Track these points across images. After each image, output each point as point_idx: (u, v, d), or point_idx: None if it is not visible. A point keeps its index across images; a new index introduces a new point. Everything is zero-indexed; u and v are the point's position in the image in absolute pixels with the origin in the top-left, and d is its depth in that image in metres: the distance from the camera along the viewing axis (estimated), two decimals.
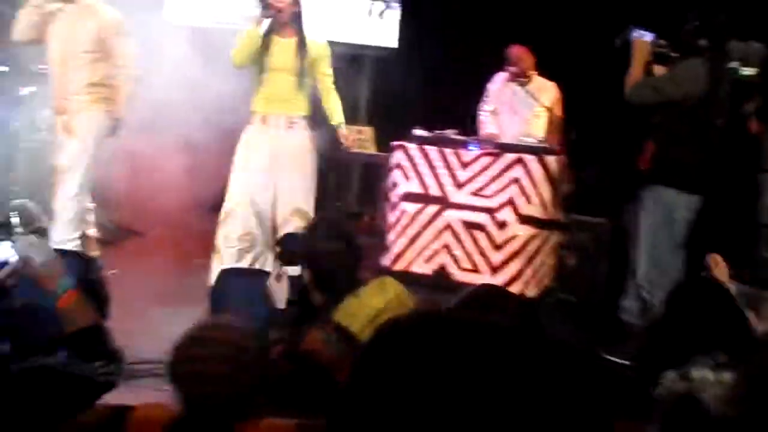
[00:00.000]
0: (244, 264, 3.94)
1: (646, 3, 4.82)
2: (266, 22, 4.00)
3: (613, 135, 5.00)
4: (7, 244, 2.00)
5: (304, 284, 2.52)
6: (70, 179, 4.06)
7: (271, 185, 4.00)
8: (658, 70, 3.69)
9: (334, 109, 4.22)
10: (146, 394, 2.56)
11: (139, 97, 4.35)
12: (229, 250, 3.97)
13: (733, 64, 3.74)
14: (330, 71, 4.18)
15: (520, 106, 5.22)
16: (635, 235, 3.70)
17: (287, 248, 2.71)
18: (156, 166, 5.41)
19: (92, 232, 4.32)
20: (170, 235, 5.19)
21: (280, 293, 2.65)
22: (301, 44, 4.03)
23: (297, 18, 4.03)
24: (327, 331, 2.26)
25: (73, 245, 4.05)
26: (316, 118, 4.32)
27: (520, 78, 5.20)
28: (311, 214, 4.08)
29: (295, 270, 2.64)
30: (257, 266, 3.97)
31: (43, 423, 1.60)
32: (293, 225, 3.96)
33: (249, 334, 1.71)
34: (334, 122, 4.22)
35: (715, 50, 3.63)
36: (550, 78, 5.25)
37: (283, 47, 4.04)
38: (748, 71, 3.82)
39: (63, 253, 3.54)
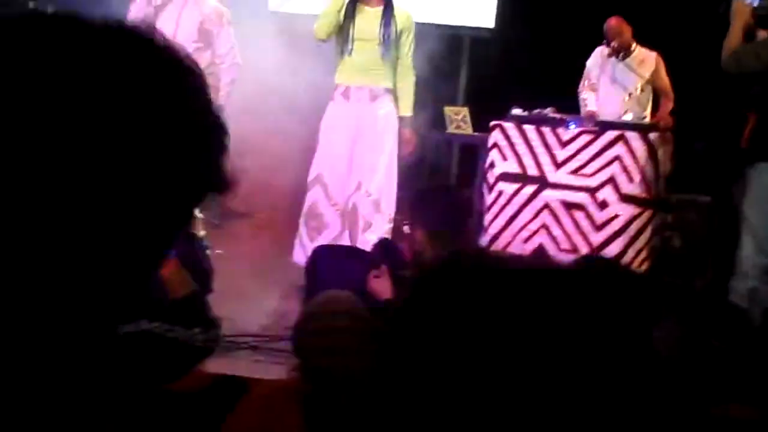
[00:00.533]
0: (322, 240, 3.91)
1: None
2: None
3: (721, 108, 4.76)
4: None
5: (416, 248, 2.63)
6: None
7: (350, 164, 3.98)
8: (762, 35, 3.35)
9: (405, 95, 4.08)
10: (243, 365, 2.68)
11: (244, 83, 4.50)
12: (305, 228, 4.00)
13: None
14: (412, 46, 4.06)
15: (621, 80, 5.05)
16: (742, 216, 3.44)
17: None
18: (261, 149, 5.59)
19: (198, 213, 4.51)
20: (276, 217, 5.35)
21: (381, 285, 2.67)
22: (388, 12, 3.93)
23: None
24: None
25: None
26: (417, 97, 4.32)
27: (619, 51, 5.04)
28: (393, 194, 4.04)
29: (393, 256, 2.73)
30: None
31: (145, 385, 1.70)
32: (369, 204, 3.96)
33: (363, 307, 1.76)
34: (400, 113, 4.07)
35: None
36: (652, 48, 5.06)
37: (369, 15, 3.94)
38: None
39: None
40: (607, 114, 4.93)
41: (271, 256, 4.46)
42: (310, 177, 4.05)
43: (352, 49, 3.92)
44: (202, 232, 4.46)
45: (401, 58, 4.02)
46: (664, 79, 5.03)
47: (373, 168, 3.98)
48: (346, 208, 4.01)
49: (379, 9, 3.94)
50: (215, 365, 2.12)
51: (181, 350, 1.80)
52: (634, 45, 5.05)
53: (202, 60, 4.30)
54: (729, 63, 3.26)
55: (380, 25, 3.90)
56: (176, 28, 4.25)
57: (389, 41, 3.91)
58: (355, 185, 4.00)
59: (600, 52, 5.15)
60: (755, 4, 3.32)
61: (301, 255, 3.98)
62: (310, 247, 3.81)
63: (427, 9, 6.49)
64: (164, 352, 1.78)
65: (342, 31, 3.92)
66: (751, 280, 3.27)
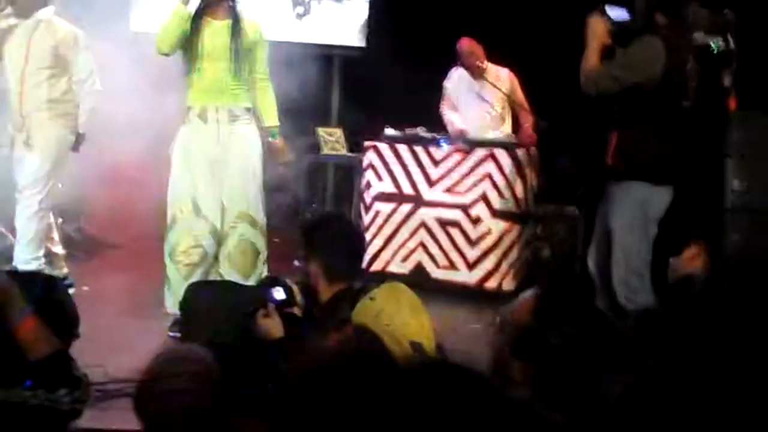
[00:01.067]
0: (194, 279, 3.54)
1: None
2: (195, 2, 3.58)
3: (585, 123, 4.98)
4: None
5: (308, 284, 2.51)
6: (30, 196, 3.99)
7: (216, 188, 3.63)
8: (620, 52, 3.23)
9: (270, 109, 3.77)
10: (117, 415, 2.52)
11: (106, 107, 4.29)
12: (176, 267, 3.61)
13: (698, 36, 3.35)
14: (265, 60, 3.75)
15: (483, 97, 5.15)
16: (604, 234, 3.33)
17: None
18: (126, 178, 5.34)
19: (58, 249, 4.25)
20: (140, 247, 5.12)
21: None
22: (236, 25, 3.61)
23: None
24: (346, 333, 2.23)
25: (37, 264, 3.98)
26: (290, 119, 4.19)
27: (473, 70, 5.11)
28: (260, 217, 3.72)
29: (280, 294, 2.57)
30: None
31: None
32: (240, 231, 3.65)
33: (209, 361, 1.68)
34: (265, 125, 3.77)
35: (674, 23, 3.15)
36: (503, 65, 5.19)
37: (216, 30, 3.61)
38: (715, 42, 3.44)
39: (24, 274, 3.50)
40: (472, 131, 5.04)
41: (139, 290, 4.25)
42: (171, 207, 3.67)
43: (201, 68, 3.61)
44: (64, 270, 4.22)
45: (255, 72, 3.71)
46: (520, 95, 5.16)
47: (239, 192, 3.67)
48: (215, 238, 3.65)
49: (227, 22, 3.62)
50: (87, 419, 1.97)
51: (46, 416, 1.66)
52: (486, 63, 5.13)
53: (59, 87, 4.06)
54: (588, 86, 3.19)
55: (229, 39, 3.59)
56: (27, 54, 4.00)
57: (240, 56, 3.62)
58: (219, 212, 3.65)
59: (457, 73, 5.23)
60: (614, 17, 3.16)
61: (172, 301, 3.59)
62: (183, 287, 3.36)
63: (297, 28, 6.47)
64: (28, 421, 1.64)
65: (189, 47, 3.59)
66: (623, 299, 3.17)
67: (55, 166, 4.07)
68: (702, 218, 4.08)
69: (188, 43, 3.57)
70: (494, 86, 5.04)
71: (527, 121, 5.02)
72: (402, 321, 2.25)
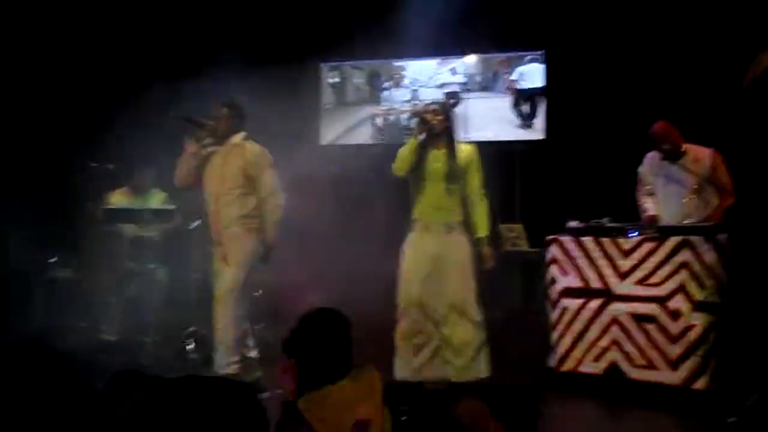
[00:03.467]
0: (420, 358, 4.21)
1: None
2: (423, 136, 4.30)
3: None
4: None
5: None
6: (227, 305, 4.25)
7: (436, 286, 4.22)
8: None
9: (480, 221, 4.36)
10: None
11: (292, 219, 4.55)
12: (407, 345, 4.23)
13: None
14: (478, 175, 4.37)
15: (677, 180, 4.87)
16: None
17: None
18: (321, 283, 5.56)
19: (253, 354, 4.45)
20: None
21: None
22: (451, 152, 4.30)
23: (448, 130, 4.34)
24: (291, 413, 2.23)
25: (234, 368, 4.19)
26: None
27: (671, 153, 4.88)
28: (473, 311, 4.24)
29: None
30: (435, 360, 4.23)
31: None
32: (452, 321, 4.20)
33: None
34: (477, 236, 4.35)
35: None
36: (707, 146, 4.89)
37: (436, 157, 4.32)
38: None
39: (216, 380, 3.67)
40: (667, 216, 4.73)
41: None
42: (401, 301, 4.27)
43: (424, 188, 4.31)
44: (257, 374, 4.39)
45: (469, 187, 4.34)
46: (722, 176, 4.81)
47: (453, 289, 4.23)
48: (435, 324, 4.24)
49: (444, 150, 4.32)
50: None
51: None
52: (684, 146, 4.90)
53: (248, 203, 4.36)
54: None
55: (445, 162, 4.28)
56: (222, 176, 4.36)
57: (454, 177, 4.28)
58: (437, 305, 4.23)
59: (651, 157, 5.02)
60: None
61: (404, 371, 4.24)
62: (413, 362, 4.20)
63: (478, 128, 6.56)
64: None
65: (415, 172, 4.30)
66: None
67: (247, 277, 4.33)
68: None
69: (415, 169, 4.29)
70: (689, 169, 4.74)
71: (722, 202, 4.64)
72: (353, 404, 2.24)
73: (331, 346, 2.41)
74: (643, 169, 5.04)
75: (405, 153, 4.30)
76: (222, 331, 4.25)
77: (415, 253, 4.28)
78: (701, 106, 5.17)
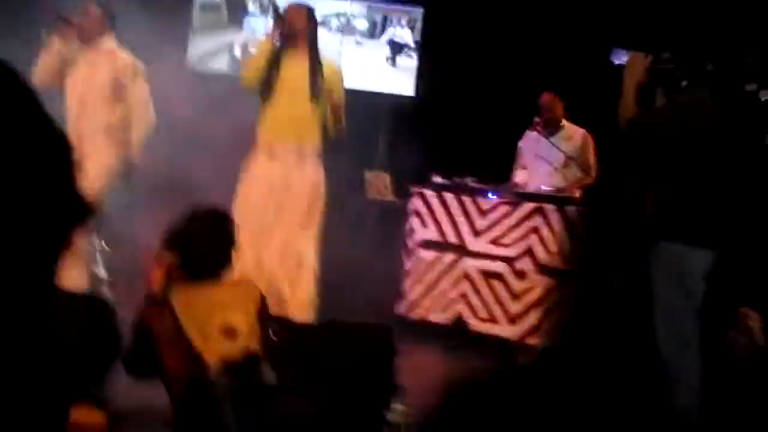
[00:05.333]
0: None
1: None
2: (278, 39, 3.78)
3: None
4: None
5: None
6: None
7: (272, 226, 3.75)
8: (661, 93, 3.03)
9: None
10: None
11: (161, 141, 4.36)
12: None
13: (751, 87, 3.07)
14: (342, 101, 3.91)
15: (545, 155, 5.17)
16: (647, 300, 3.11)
17: None
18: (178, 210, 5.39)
19: (103, 273, 4.28)
20: None
21: None
22: (315, 64, 3.77)
23: (312, 36, 3.80)
24: (161, 305, 2.31)
25: (83, 285, 4.02)
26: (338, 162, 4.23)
27: (549, 127, 5.16)
28: (313, 261, 3.84)
29: None
30: None
31: None
32: (296, 274, 3.78)
33: None
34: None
35: (725, 73, 2.95)
36: (582, 125, 5.18)
37: (296, 67, 3.79)
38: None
39: (73, 294, 3.52)
40: (533, 188, 5.00)
41: None
42: None
43: (276, 102, 3.83)
44: (107, 294, 4.23)
45: (332, 111, 3.91)
46: (588, 156, 5.16)
47: (294, 234, 3.82)
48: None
49: (307, 60, 3.81)
50: None
51: None
52: (563, 122, 5.20)
53: (115, 113, 4.13)
54: (627, 129, 2.96)
55: (308, 76, 3.77)
56: (88, 80, 4.09)
57: (318, 94, 3.79)
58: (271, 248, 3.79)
59: (528, 134, 5.27)
60: (649, 57, 2.94)
61: None
62: None
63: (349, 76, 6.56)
64: None
65: (267, 83, 3.80)
66: (670, 372, 2.90)
67: (105, 192, 4.12)
68: (754, 285, 3.92)
69: (267, 79, 3.77)
70: (560, 146, 5.03)
71: (580, 180, 5.01)
72: (226, 309, 2.31)
73: (214, 241, 2.41)
74: (521, 144, 5.31)
75: (256, 55, 3.76)
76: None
77: (251, 187, 3.76)
78: (577, 82, 5.44)
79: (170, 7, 6.34)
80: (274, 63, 3.74)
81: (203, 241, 2.42)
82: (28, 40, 4.41)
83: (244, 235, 3.59)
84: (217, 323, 2.24)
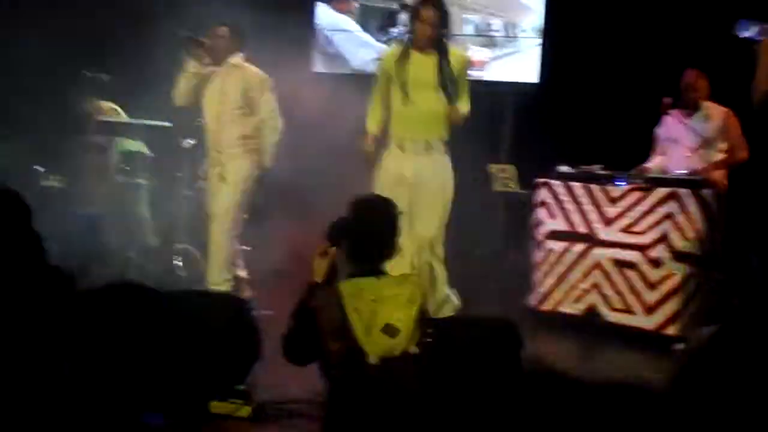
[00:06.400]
0: None
1: None
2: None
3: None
4: None
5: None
6: (222, 224, 4.31)
7: (406, 216, 3.79)
8: None
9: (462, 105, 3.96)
10: None
11: (289, 145, 4.56)
12: None
13: None
14: (467, 89, 3.98)
15: (679, 138, 4.88)
16: None
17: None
18: (310, 210, 5.60)
19: (243, 273, 4.54)
20: None
21: None
22: (443, 58, 3.86)
23: (439, 32, 3.86)
24: (329, 295, 2.30)
25: (227, 286, 4.28)
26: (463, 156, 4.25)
27: (687, 108, 4.84)
28: (440, 246, 3.95)
29: None
30: None
31: None
32: (423, 258, 3.89)
33: None
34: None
35: None
36: (725, 104, 4.83)
37: (423, 62, 3.89)
38: None
39: (218, 295, 3.76)
40: (670, 172, 4.75)
41: None
42: None
43: (406, 98, 3.91)
44: (247, 293, 4.48)
45: (460, 99, 3.96)
46: (732, 136, 4.78)
47: (425, 221, 3.93)
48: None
49: (434, 55, 3.89)
50: None
51: None
52: (705, 102, 4.84)
53: (248, 124, 4.38)
54: (763, 107, 2.89)
55: (435, 71, 3.86)
56: (222, 96, 4.35)
57: (446, 86, 3.87)
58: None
59: (665, 119, 4.95)
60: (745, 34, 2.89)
61: None
62: None
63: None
64: None
65: (396, 78, 3.91)
66: None
67: (244, 197, 4.38)
68: None
69: (395, 75, 3.88)
70: (695, 128, 4.76)
71: (723, 161, 4.74)
72: (390, 306, 2.28)
73: (381, 229, 2.45)
74: (658, 130, 5.02)
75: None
76: (216, 249, 4.33)
77: (387, 179, 3.91)
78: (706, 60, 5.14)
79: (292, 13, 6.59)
80: (400, 62, 3.86)
81: (371, 230, 2.44)
82: (166, 63, 4.77)
83: None
84: (379, 319, 2.28)
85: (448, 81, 3.85)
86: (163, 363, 2.00)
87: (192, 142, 5.23)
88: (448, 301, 4.04)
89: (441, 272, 4.01)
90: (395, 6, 6.89)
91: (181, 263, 5.23)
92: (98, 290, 1.66)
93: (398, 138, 3.95)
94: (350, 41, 6.90)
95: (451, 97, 3.87)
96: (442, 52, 3.86)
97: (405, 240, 3.65)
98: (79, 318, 1.95)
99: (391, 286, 2.35)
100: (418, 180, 3.91)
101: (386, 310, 2.28)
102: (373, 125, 4.06)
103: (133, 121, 5.44)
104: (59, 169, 5.42)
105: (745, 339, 1.47)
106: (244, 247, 4.89)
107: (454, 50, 4.00)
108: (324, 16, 7.12)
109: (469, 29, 6.71)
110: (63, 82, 5.60)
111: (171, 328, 2.04)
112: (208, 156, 4.56)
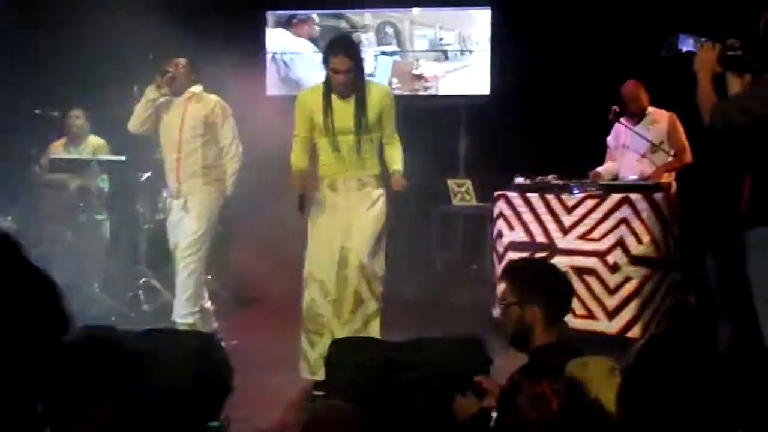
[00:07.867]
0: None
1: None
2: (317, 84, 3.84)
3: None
4: None
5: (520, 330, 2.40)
6: (189, 256, 4.28)
7: (339, 251, 3.74)
8: (733, 79, 2.91)
9: (393, 158, 3.87)
10: None
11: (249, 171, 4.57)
12: (309, 318, 3.79)
13: None
14: (392, 121, 3.85)
15: (631, 144, 5.11)
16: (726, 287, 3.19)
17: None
18: (269, 239, 5.60)
19: (208, 305, 4.51)
20: (288, 302, 5.29)
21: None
22: (361, 103, 3.73)
23: (355, 74, 3.70)
24: (560, 384, 2.14)
25: (193, 319, 4.25)
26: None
27: (634, 116, 5.10)
28: (379, 274, 3.77)
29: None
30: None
31: None
32: (360, 285, 3.71)
33: (357, 414, 1.75)
34: (391, 169, 3.86)
35: None
36: (668, 109, 5.07)
37: (342, 107, 3.74)
38: None
39: (185, 332, 3.74)
40: (621, 178, 4.94)
41: (287, 343, 4.42)
42: (306, 267, 3.82)
43: (331, 142, 3.78)
44: (214, 325, 4.47)
45: (384, 137, 3.87)
46: (677, 138, 5.05)
47: (360, 251, 3.74)
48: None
49: (352, 100, 3.76)
50: None
51: None
52: (649, 109, 5.12)
53: (211, 152, 4.37)
54: (714, 122, 2.85)
55: (354, 116, 3.74)
56: (182, 125, 4.34)
57: (367, 129, 3.76)
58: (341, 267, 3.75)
59: (616, 127, 5.21)
60: (684, 47, 2.89)
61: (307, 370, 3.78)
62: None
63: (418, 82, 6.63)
64: None
65: (321, 123, 3.77)
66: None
67: (209, 228, 4.36)
68: None
69: (318, 120, 3.74)
70: (645, 134, 4.97)
71: (668, 164, 4.91)
72: (606, 396, 2.04)
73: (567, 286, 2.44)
74: (608, 139, 5.29)
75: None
76: (182, 283, 4.28)
77: (318, 219, 3.79)
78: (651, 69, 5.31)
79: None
80: (324, 109, 3.73)
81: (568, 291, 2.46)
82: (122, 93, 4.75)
83: (316, 263, 3.70)
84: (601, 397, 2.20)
85: (372, 125, 3.75)
86: (134, 409, 1.99)
87: (148, 174, 5.20)
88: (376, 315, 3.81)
89: (372, 293, 3.78)
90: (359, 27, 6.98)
91: (142, 297, 5.18)
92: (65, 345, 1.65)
93: (330, 179, 3.83)
94: (308, 64, 6.93)
95: (378, 136, 3.81)
96: (360, 99, 3.72)
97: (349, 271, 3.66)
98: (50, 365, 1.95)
99: (603, 364, 2.27)
100: (351, 210, 3.79)
101: (605, 386, 2.14)
102: (300, 165, 3.85)
103: (87, 157, 5.39)
104: (11, 210, 5.33)
105: (683, 343, 1.53)
106: (208, 277, 4.88)
107: (374, 87, 3.86)
108: (278, 40, 7.17)
109: (423, 44, 6.83)
110: (14, 122, 5.53)
111: (139, 374, 2.03)
112: (168, 188, 4.53)
